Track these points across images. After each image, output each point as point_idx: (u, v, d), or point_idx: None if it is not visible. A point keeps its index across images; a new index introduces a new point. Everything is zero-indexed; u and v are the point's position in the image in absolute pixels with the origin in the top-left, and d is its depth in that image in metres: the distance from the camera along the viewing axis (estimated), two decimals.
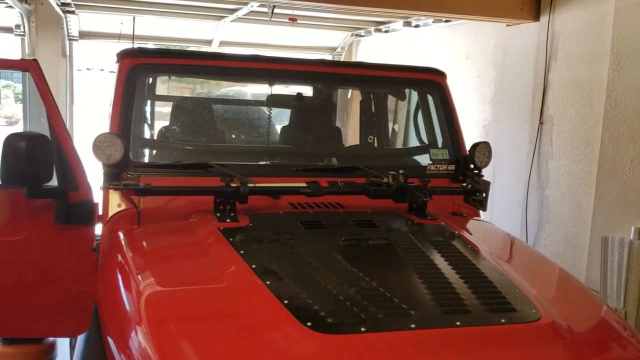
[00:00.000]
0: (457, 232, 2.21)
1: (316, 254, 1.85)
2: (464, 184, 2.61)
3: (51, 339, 4.09)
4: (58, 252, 2.47)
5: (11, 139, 2.22)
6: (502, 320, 1.53)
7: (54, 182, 2.43)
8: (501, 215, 4.34)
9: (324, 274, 1.71)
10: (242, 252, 1.84)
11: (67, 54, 6.01)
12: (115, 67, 2.63)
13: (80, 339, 2.97)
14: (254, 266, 1.74)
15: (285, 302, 1.52)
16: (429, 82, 2.93)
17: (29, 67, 2.41)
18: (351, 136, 4.28)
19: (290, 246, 1.93)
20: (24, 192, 2.32)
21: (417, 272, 1.76)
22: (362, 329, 1.40)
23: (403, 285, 1.73)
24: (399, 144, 4.35)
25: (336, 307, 1.51)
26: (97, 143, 2.27)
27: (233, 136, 3.37)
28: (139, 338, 1.51)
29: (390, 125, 3.99)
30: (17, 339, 3.91)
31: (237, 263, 1.78)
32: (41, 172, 2.29)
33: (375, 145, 3.49)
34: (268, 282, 1.63)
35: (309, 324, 1.41)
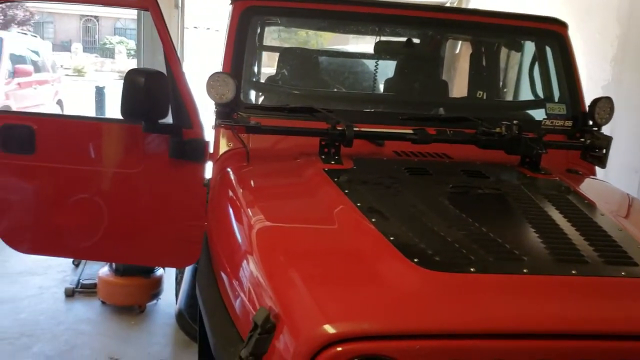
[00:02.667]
0: (572, 187, 2.09)
1: (422, 198, 1.82)
2: (582, 140, 2.47)
3: (158, 273, 4.37)
4: (170, 187, 2.59)
5: (131, 74, 2.32)
6: (622, 273, 1.44)
7: (168, 119, 2.55)
8: (615, 182, 4.06)
9: (430, 216, 1.67)
10: (346, 191, 1.85)
11: (179, 5, 6.19)
12: (228, 9, 2.68)
13: (187, 271, 3.14)
14: (358, 204, 1.73)
15: (392, 238, 1.50)
16: (550, 33, 2.76)
17: (148, 5, 2.49)
18: (457, 93, 4.16)
19: (395, 189, 1.91)
20: (141, 126, 2.44)
21: (530, 221, 1.69)
22: (472, 269, 1.37)
23: (514, 233, 1.67)
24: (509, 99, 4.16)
25: (444, 247, 1.47)
26: (210, 82, 2.34)
27: (339, 86, 3.36)
28: (250, 267, 1.56)
29: (502, 80, 3.81)
30: (127, 271, 4.21)
31: (342, 201, 1.78)
32: (158, 108, 2.39)
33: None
34: (373, 220, 1.62)
35: (416, 260, 1.39)
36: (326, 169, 2.08)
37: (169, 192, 2.59)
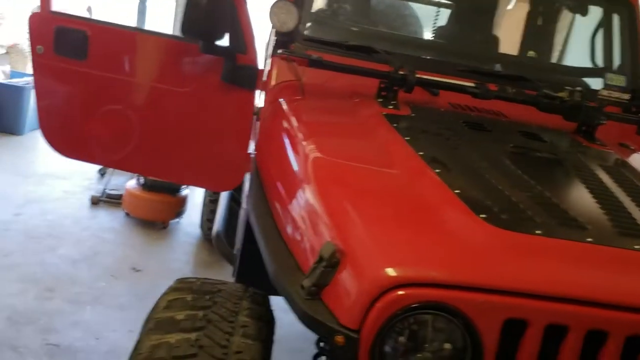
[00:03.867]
0: (628, 161, 2.08)
1: (483, 155, 1.81)
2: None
3: (184, 193, 4.43)
4: (217, 110, 2.59)
5: None
6: None
7: (224, 43, 2.52)
8: None
9: (493, 174, 1.67)
10: (407, 138, 1.84)
11: None
12: None
13: (224, 197, 3.18)
14: (421, 153, 1.73)
15: (457, 191, 1.51)
16: (621, 1, 2.68)
17: None
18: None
19: (455, 142, 1.90)
20: (198, 46, 2.41)
21: (590, 190, 1.68)
22: (537, 232, 1.38)
23: (575, 200, 1.66)
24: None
25: (509, 206, 1.48)
26: (274, 9, 2.30)
27: (394, 29, 3.30)
28: (311, 200, 1.55)
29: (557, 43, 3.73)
30: (154, 187, 4.27)
31: (404, 147, 1.78)
32: (216, 29, 2.36)
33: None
34: (438, 171, 1.62)
35: (482, 215, 1.40)
36: (385, 113, 2.07)
37: (215, 115, 2.58)
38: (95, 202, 4.58)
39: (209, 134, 2.64)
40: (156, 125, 2.68)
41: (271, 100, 2.37)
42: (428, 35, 3.23)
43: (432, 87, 2.28)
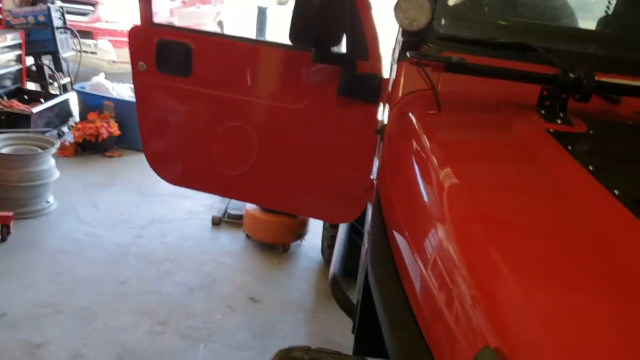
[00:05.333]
0: None
1: None
2: None
3: None
4: (336, 129, 2.19)
5: None
6: None
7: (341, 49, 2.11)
8: None
9: None
10: (591, 168, 1.30)
11: None
12: None
13: (343, 229, 2.78)
14: (616, 192, 1.18)
15: None
16: None
17: None
18: None
19: None
20: (310, 54, 2.02)
21: None
22: None
23: None
24: None
25: None
26: (401, 3, 1.85)
27: (556, 19, 2.69)
28: (438, 235, 1.15)
29: None
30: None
31: (589, 183, 1.24)
32: (331, 32, 1.96)
33: None
34: None
35: None
36: (552, 130, 1.53)
37: (332, 135, 2.19)
38: (216, 222, 4.38)
39: (324, 156, 2.24)
40: (267, 148, 2.33)
41: (398, 116, 1.91)
42: (595, 25, 2.59)
43: (616, 93, 1.70)
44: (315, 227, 4.09)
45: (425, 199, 1.38)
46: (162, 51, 2.32)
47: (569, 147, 1.42)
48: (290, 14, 1.95)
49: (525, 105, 1.71)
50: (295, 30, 1.92)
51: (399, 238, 1.40)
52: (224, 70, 2.30)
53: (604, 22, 2.45)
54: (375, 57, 2.06)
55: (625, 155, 1.42)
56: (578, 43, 2.19)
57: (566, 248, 1.07)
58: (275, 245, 4.06)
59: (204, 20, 10.08)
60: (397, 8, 1.86)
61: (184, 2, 9.22)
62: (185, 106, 2.38)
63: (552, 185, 1.30)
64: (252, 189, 2.41)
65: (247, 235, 4.15)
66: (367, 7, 2.04)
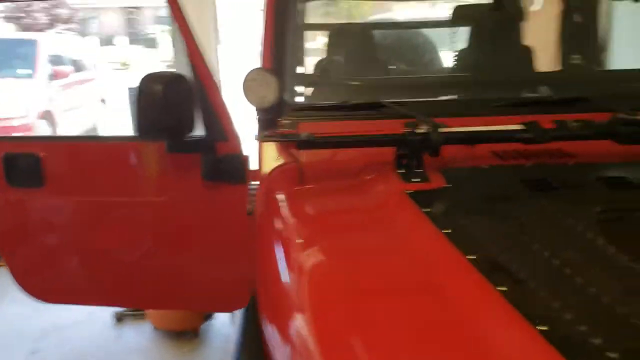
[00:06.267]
0: None
1: (562, 236, 1.23)
2: None
3: None
4: (208, 216, 2.09)
5: (145, 82, 1.81)
6: None
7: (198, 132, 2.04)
8: None
9: (587, 272, 1.09)
10: (448, 231, 1.27)
11: None
12: None
13: (240, 315, 2.65)
14: (472, 257, 1.16)
15: (543, 328, 0.93)
16: None
17: None
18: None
19: (519, 222, 1.33)
20: (164, 145, 1.94)
21: None
22: None
23: None
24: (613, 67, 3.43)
25: (622, 334, 0.90)
26: (247, 82, 1.81)
27: (403, 67, 2.76)
28: (297, 327, 1.10)
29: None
30: None
31: (446, 250, 1.21)
32: (182, 121, 1.88)
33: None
34: (503, 289, 1.04)
35: None
36: (409, 191, 1.51)
37: (204, 222, 2.09)
38: (119, 318, 4.11)
39: (200, 245, 2.13)
40: (140, 246, 2.19)
41: (264, 194, 1.85)
42: (448, 66, 2.68)
43: (466, 143, 1.71)
44: None
45: (284, 284, 1.31)
46: (9, 164, 2.15)
47: (426, 210, 1.40)
48: (134, 107, 1.86)
49: (387, 164, 1.69)
50: (143, 124, 1.83)
51: (265, 327, 1.32)
52: (78, 173, 2.16)
53: (452, 61, 2.53)
54: (233, 137, 2.00)
55: (480, 210, 1.41)
56: (432, 90, 2.24)
57: (424, 328, 1.02)
58: (185, 332, 3.85)
59: (85, 101, 9.78)
60: (245, 88, 1.82)
61: (60, 86, 8.89)
62: (44, 217, 2.21)
63: (410, 254, 1.27)
64: (133, 293, 2.26)
65: (154, 327, 3.91)
66: (215, 87, 1.99)
